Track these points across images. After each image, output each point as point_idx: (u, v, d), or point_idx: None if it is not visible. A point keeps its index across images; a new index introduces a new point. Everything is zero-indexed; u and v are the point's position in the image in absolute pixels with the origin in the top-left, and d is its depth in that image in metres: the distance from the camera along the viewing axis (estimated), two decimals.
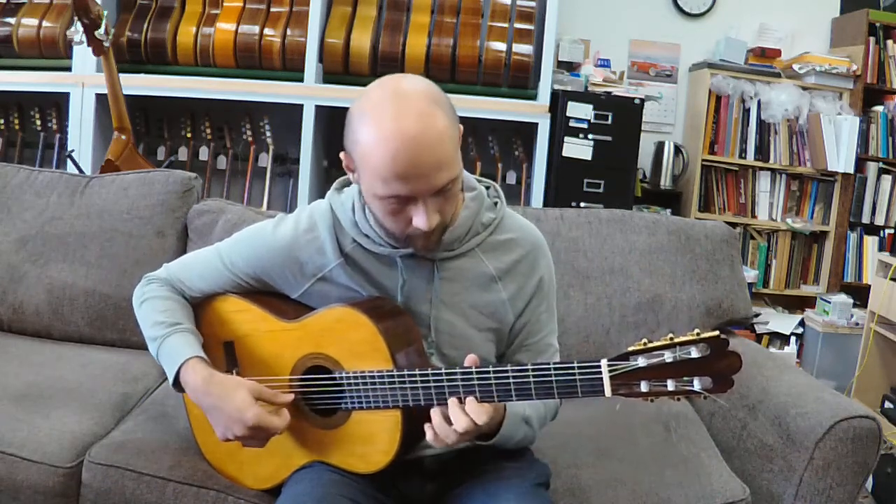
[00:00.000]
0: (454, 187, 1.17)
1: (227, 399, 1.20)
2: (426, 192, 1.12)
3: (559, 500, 1.36)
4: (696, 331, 1.02)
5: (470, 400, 1.10)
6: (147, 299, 1.35)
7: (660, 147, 3.92)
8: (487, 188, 1.35)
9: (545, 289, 1.34)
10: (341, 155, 1.21)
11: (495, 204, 1.33)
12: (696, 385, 1.01)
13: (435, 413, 1.12)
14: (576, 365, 1.06)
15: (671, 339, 1.02)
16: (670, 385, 1.02)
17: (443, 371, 1.14)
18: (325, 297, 1.29)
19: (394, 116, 1.10)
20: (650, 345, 1.03)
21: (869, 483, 2.55)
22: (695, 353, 1.01)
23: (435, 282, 1.27)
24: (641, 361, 1.02)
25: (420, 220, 1.14)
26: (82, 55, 3.17)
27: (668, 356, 1.01)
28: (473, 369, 1.12)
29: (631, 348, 1.04)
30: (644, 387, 1.03)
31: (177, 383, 1.26)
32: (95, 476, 1.39)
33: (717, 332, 1.01)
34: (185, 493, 1.37)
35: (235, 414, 1.19)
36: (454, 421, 1.10)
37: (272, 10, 3.44)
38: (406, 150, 1.09)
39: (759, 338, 3.71)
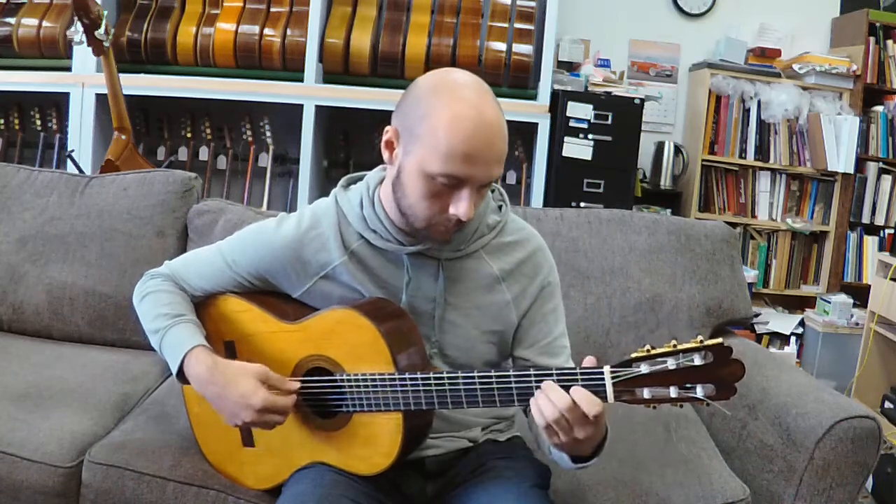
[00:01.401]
0: (490, 187, 1.19)
1: (234, 385, 1.20)
2: (479, 180, 1.14)
3: (559, 500, 1.36)
4: (700, 338, 1.02)
5: (576, 388, 1.04)
6: (149, 293, 1.35)
7: (660, 147, 3.92)
8: (492, 191, 1.35)
9: (550, 290, 1.34)
10: (387, 129, 1.20)
11: (500, 207, 1.34)
12: (699, 392, 1.01)
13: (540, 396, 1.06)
14: (578, 371, 1.06)
15: (674, 345, 1.02)
16: (673, 392, 1.02)
17: (444, 374, 1.14)
18: (328, 297, 1.29)
19: (474, 100, 1.13)
20: (653, 351, 1.03)
21: (869, 483, 2.55)
22: (698, 360, 1.01)
23: (440, 282, 1.27)
24: (644, 368, 1.02)
25: (462, 207, 1.14)
26: (82, 55, 3.17)
27: (670, 363, 1.01)
28: (475, 373, 1.12)
29: (634, 355, 1.04)
30: (646, 393, 1.03)
31: (180, 374, 1.26)
32: (95, 476, 1.39)
33: (720, 340, 1.01)
34: (185, 493, 1.37)
35: (243, 400, 1.18)
36: (556, 401, 1.04)
37: (272, 10, 3.44)
38: (482, 132, 1.11)
39: (759, 338, 3.71)
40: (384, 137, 1.20)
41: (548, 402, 1.05)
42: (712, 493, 1.43)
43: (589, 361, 1.08)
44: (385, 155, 1.22)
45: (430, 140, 1.12)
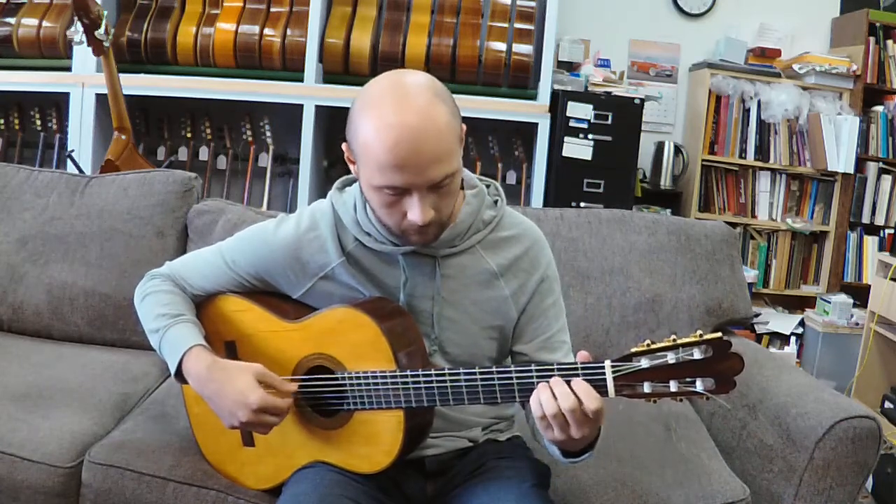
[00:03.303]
0: (452, 183, 1.16)
1: (231, 383, 1.20)
2: (421, 185, 1.12)
3: (559, 500, 1.36)
4: (699, 332, 1.03)
5: (578, 382, 1.05)
6: (150, 293, 1.35)
7: (660, 147, 3.92)
8: (488, 186, 1.35)
9: (549, 284, 1.34)
10: (343, 146, 1.21)
11: (496, 202, 1.33)
12: (699, 386, 1.01)
13: (543, 387, 1.07)
14: (579, 365, 1.07)
15: (674, 340, 1.02)
16: (673, 386, 1.02)
17: (445, 371, 1.14)
18: (328, 297, 1.29)
19: (395, 107, 1.10)
20: (653, 346, 1.03)
21: (869, 483, 2.55)
22: (697, 354, 1.01)
23: (437, 279, 1.27)
24: (644, 362, 1.03)
25: (414, 213, 1.14)
26: (82, 55, 3.17)
27: (670, 357, 1.02)
28: (477, 370, 1.13)
29: (634, 349, 1.04)
30: (647, 388, 1.03)
31: (179, 374, 1.26)
32: (95, 476, 1.39)
33: (719, 334, 1.01)
34: (185, 493, 1.37)
35: (240, 398, 1.18)
36: (560, 397, 1.04)
37: (272, 10, 3.44)
38: (404, 140, 1.09)
39: (759, 338, 3.71)
40: (345, 155, 1.22)
41: (550, 396, 1.05)
42: (712, 493, 1.43)
43: (582, 356, 1.08)
44: (352, 169, 1.23)
45: (364, 156, 1.13)
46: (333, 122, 3.65)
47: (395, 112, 1.10)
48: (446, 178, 1.14)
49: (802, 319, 3.73)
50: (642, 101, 3.43)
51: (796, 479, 1.45)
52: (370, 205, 1.21)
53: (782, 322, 3.76)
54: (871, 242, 3.92)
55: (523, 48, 3.42)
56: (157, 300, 1.33)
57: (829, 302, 3.62)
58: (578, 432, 1.06)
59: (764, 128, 3.86)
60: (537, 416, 1.07)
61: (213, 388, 1.22)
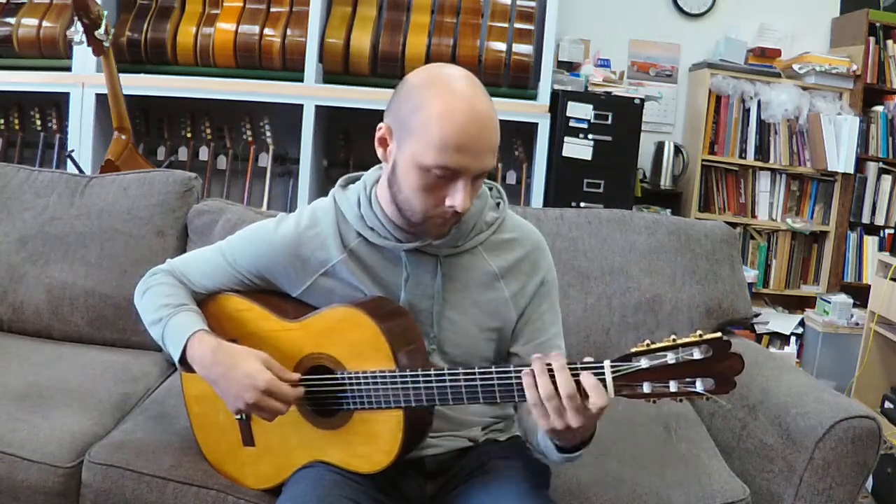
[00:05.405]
0: (484, 180, 1.20)
1: (237, 366, 1.20)
2: (473, 171, 1.14)
3: (559, 500, 1.36)
4: (699, 332, 1.02)
5: (586, 376, 1.03)
6: (151, 287, 1.36)
7: (660, 147, 3.92)
8: (490, 189, 1.35)
9: (548, 288, 1.34)
10: (381, 125, 1.22)
11: (497, 204, 1.34)
12: (699, 386, 1.01)
13: (537, 361, 1.05)
14: (579, 366, 1.06)
15: (673, 340, 1.02)
16: (672, 386, 1.02)
17: (445, 371, 1.14)
18: (328, 294, 1.29)
19: (466, 91, 1.15)
20: (653, 346, 1.03)
21: (869, 483, 2.55)
22: (697, 354, 1.01)
23: (438, 279, 1.27)
24: (644, 363, 1.03)
25: (457, 198, 1.15)
26: (82, 55, 3.17)
27: (670, 357, 1.02)
28: (476, 369, 1.13)
29: (634, 349, 1.04)
30: (647, 388, 1.03)
31: (183, 362, 1.26)
32: (95, 476, 1.39)
33: (719, 334, 1.01)
34: (185, 493, 1.37)
35: (246, 380, 1.19)
36: (560, 383, 1.03)
37: (272, 10, 3.44)
38: (474, 123, 1.12)
39: (759, 338, 3.71)
40: (377, 134, 1.22)
41: (548, 381, 1.04)
42: (712, 493, 1.43)
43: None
44: (379, 152, 1.23)
45: (422, 133, 1.13)
46: (333, 122, 3.65)
47: (466, 96, 1.14)
48: (489, 171, 1.17)
49: (802, 319, 3.73)
50: (642, 101, 3.43)
51: (796, 479, 1.45)
52: (400, 186, 1.19)
53: (782, 322, 3.76)
54: (871, 242, 3.93)
55: (523, 48, 3.42)
56: (159, 292, 1.34)
57: (829, 302, 3.63)
58: (577, 421, 1.04)
59: (764, 128, 3.86)
60: (532, 402, 1.05)
61: (220, 371, 1.22)
